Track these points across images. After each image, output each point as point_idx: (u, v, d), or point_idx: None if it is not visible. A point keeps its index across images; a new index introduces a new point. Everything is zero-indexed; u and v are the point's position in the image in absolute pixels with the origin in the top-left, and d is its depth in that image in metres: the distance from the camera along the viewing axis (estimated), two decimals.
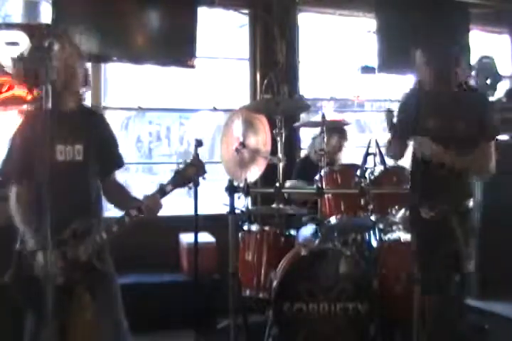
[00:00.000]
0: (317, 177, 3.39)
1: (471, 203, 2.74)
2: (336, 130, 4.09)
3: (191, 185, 2.37)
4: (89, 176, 2.33)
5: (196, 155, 2.35)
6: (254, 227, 3.38)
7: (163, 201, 2.29)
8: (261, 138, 3.53)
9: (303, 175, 3.92)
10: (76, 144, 2.29)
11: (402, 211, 3.31)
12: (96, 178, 2.37)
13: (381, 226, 3.36)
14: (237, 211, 3.12)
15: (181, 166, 2.30)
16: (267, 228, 3.36)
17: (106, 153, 2.40)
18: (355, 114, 7.89)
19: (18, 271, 2.17)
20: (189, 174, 2.30)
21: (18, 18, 4.37)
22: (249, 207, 3.59)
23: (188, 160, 2.31)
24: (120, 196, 2.42)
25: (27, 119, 2.33)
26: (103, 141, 2.40)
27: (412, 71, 2.96)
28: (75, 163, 2.29)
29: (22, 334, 2.26)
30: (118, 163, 2.50)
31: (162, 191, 2.28)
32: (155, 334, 2.95)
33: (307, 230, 3.50)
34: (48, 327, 1.82)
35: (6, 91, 3.58)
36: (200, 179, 2.38)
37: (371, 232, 3.49)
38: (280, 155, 3.41)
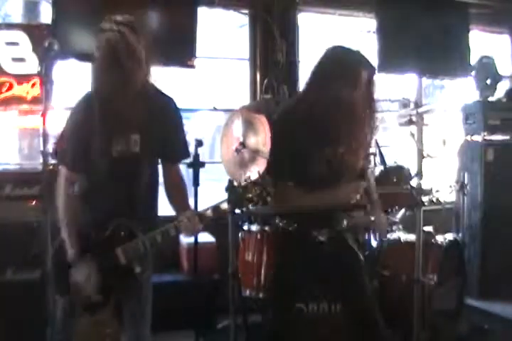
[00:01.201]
0: None
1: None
2: None
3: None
4: (142, 172, 2.15)
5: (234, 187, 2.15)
6: (254, 227, 3.38)
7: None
8: (261, 138, 3.53)
9: None
10: (133, 134, 2.09)
11: (402, 211, 3.31)
12: (149, 175, 2.19)
13: None
14: (237, 211, 3.12)
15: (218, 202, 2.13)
16: (267, 228, 3.36)
17: (169, 142, 2.17)
18: None
19: (57, 259, 2.09)
20: (222, 211, 2.15)
21: (18, 18, 4.37)
22: (250, 207, 3.59)
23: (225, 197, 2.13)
24: (174, 197, 2.25)
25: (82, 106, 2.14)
26: (166, 129, 2.15)
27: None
28: (130, 155, 2.10)
29: (21, 333, 2.26)
30: (181, 153, 2.26)
31: (201, 216, 2.14)
32: (155, 335, 2.93)
33: None
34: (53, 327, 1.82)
35: (6, 91, 3.58)
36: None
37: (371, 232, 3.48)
38: None
